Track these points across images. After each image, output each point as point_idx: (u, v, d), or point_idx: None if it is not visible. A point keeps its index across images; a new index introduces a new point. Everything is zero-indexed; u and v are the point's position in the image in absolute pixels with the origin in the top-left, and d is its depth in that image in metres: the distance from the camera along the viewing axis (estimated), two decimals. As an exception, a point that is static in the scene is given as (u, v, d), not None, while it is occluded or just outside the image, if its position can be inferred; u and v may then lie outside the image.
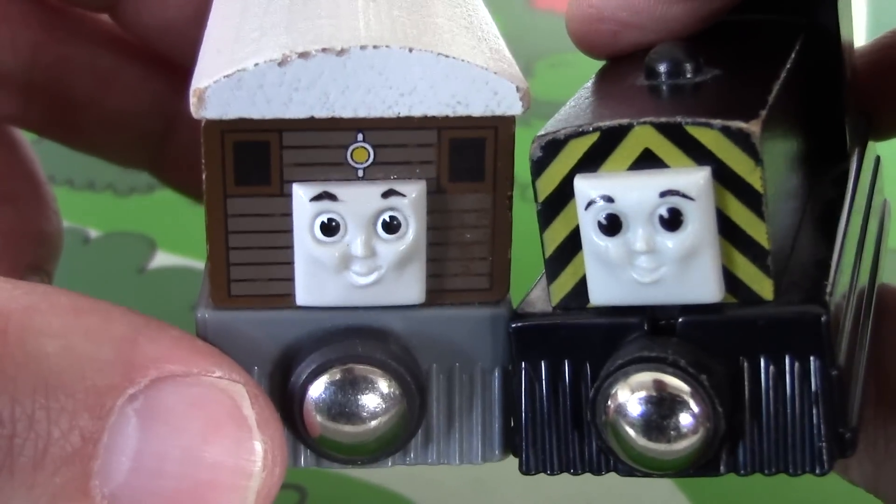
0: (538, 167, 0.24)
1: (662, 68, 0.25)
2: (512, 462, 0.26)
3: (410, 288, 0.25)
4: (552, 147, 0.24)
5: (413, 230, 0.24)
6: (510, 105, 0.24)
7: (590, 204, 0.24)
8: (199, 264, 0.47)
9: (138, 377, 0.23)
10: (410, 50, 0.23)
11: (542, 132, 0.24)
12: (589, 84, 0.27)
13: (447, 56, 0.24)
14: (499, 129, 0.24)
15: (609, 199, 0.24)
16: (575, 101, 0.26)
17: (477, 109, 0.24)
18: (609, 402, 0.24)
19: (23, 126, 0.36)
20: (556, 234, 0.25)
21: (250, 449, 0.23)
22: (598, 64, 0.30)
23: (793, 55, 0.27)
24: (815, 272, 0.25)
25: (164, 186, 0.40)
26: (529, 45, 0.60)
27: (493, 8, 0.67)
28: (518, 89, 0.24)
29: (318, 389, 0.25)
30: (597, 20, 0.28)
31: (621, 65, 0.28)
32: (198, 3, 0.34)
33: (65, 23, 0.36)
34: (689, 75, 0.25)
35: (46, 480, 0.22)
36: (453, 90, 0.24)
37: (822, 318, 0.23)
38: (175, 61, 0.36)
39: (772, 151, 0.24)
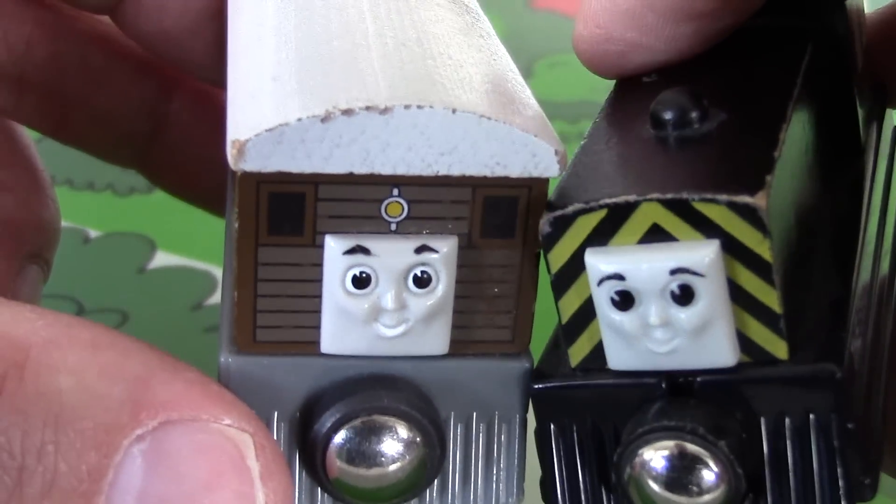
0: (548, 242, 0.24)
1: (668, 117, 0.25)
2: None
3: (436, 339, 0.25)
4: (561, 223, 0.24)
5: (443, 285, 0.25)
6: (547, 167, 0.24)
7: (601, 281, 0.24)
8: (200, 264, 0.47)
9: (147, 419, 0.23)
10: (454, 111, 0.23)
11: (551, 202, 0.24)
12: (598, 121, 0.27)
13: (489, 118, 0.24)
14: (532, 188, 0.24)
15: (620, 277, 0.24)
16: (584, 152, 0.26)
17: (515, 171, 0.24)
18: (633, 461, 0.24)
19: (15, 119, 0.36)
20: (571, 303, 0.25)
21: (251, 500, 0.23)
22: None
23: (799, 79, 0.27)
24: (831, 318, 0.25)
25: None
26: (529, 45, 0.60)
27: (493, 8, 0.67)
28: (556, 153, 0.24)
29: (342, 438, 0.25)
30: (605, 41, 0.28)
31: (628, 99, 0.28)
32: (195, 15, 0.34)
33: (58, 20, 0.36)
34: (695, 125, 0.25)
35: None
36: (493, 151, 0.24)
37: (837, 376, 0.23)
38: (169, 64, 0.36)
39: (781, 198, 0.24)
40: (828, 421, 0.24)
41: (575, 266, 0.24)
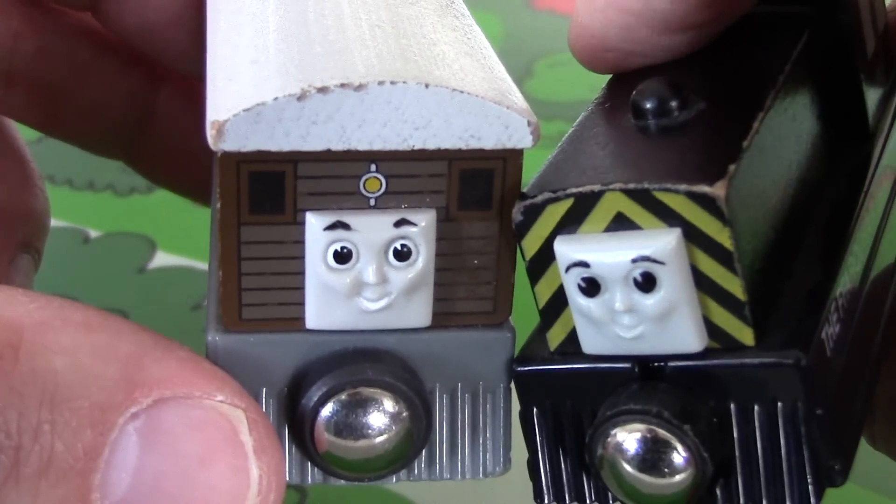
0: (521, 229, 0.25)
1: (648, 106, 0.26)
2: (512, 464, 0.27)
3: (418, 312, 0.26)
4: (531, 211, 0.25)
5: (423, 257, 0.25)
6: (521, 139, 0.25)
7: (569, 268, 0.24)
8: (200, 264, 0.47)
9: (141, 396, 0.23)
10: (427, 86, 0.24)
11: (526, 192, 0.25)
12: (587, 111, 0.27)
13: (462, 91, 0.24)
14: (507, 160, 0.25)
15: (585, 265, 0.24)
16: (567, 141, 0.26)
17: (489, 143, 0.24)
18: (604, 442, 0.25)
19: (2, 113, 0.36)
20: (544, 289, 0.25)
21: (245, 474, 0.23)
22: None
23: (788, 66, 0.27)
24: (806, 305, 0.25)
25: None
26: (529, 45, 0.60)
27: (493, 8, 0.67)
28: (529, 123, 0.24)
29: (329, 411, 0.25)
30: (601, 50, 0.29)
31: (617, 88, 0.28)
32: (176, 7, 0.34)
33: (44, 15, 0.36)
34: (675, 114, 0.26)
35: (49, 491, 0.23)
36: (467, 124, 0.24)
37: (803, 363, 0.24)
38: (153, 58, 0.37)
39: (751, 187, 0.25)
40: (794, 407, 0.24)
41: (547, 253, 0.25)
